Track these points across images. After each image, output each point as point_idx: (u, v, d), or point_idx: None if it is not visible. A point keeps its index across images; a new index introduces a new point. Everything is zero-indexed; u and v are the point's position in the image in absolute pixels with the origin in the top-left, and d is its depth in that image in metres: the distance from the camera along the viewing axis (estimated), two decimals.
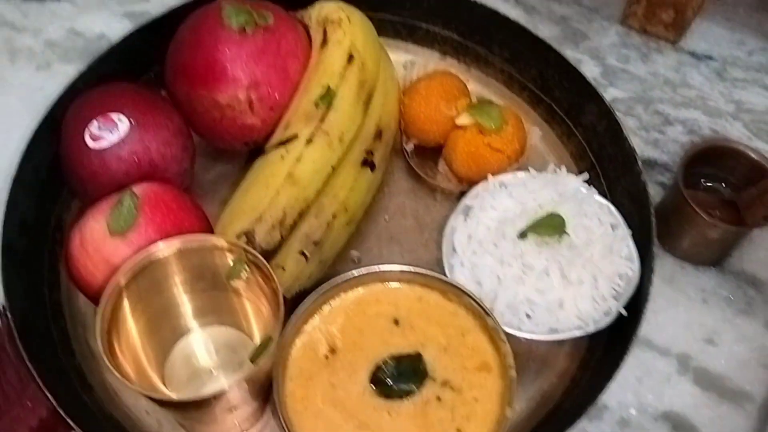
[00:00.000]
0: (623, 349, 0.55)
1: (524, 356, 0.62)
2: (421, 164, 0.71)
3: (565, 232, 0.59)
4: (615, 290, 0.59)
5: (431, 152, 0.70)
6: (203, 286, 0.57)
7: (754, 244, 0.68)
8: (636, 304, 0.58)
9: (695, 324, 0.64)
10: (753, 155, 0.63)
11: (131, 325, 0.54)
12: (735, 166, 0.62)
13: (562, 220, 0.59)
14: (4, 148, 0.65)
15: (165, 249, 0.54)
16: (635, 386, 0.62)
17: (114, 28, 0.80)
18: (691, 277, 0.66)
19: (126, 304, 0.54)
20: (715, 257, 0.66)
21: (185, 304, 0.58)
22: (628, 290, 0.58)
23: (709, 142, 0.64)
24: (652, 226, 0.60)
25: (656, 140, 0.74)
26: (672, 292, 0.66)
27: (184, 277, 0.56)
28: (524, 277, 0.58)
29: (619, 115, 0.74)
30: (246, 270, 0.54)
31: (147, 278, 0.54)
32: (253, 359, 0.50)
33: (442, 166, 0.69)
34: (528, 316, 0.58)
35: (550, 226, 0.58)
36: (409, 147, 0.70)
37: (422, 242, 0.67)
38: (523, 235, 0.59)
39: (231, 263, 0.54)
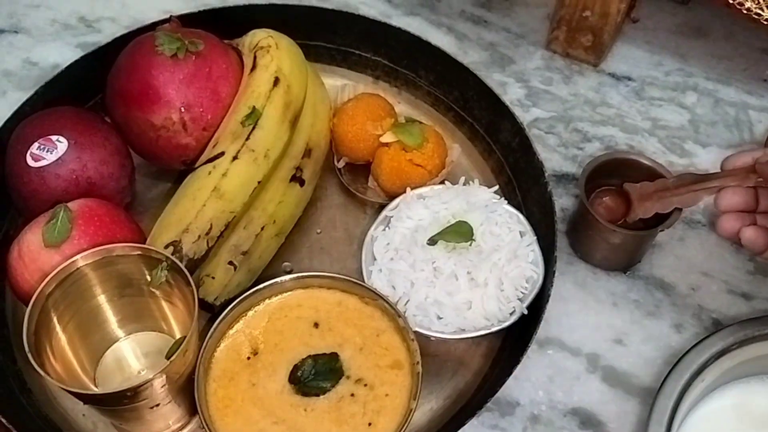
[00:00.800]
0: (524, 345, 0.59)
1: (443, 357, 0.66)
2: (352, 180, 0.75)
3: (472, 238, 0.63)
4: (521, 292, 0.63)
5: (362, 169, 0.74)
6: (130, 293, 0.60)
7: (664, 250, 0.72)
8: (539, 304, 0.62)
9: (605, 326, 0.68)
10: (648, 164, 0.67)
11: (59, 330, 0.58)
12: (636, 176, 0.66)
13: (470, 227, 0.63)
14: None
15: (85, 259, 0.58)
16: (547, 384, 0.65)
17: (68, 57, 0.83)
18: (603, 282, 0.70)
19: (54, 311, 0.57)
20: (623, 263, 0.70)
21: (113, 311, 0.62)
22: (533, 292, 0.62)
23: (608, 155, 0.69)
24: (556, 233, 0.64)
25: (575, 156, 0.78)
26: (584, 297, 0.70)
27: (110, 285, 0.60)
28: (434, 281, 0.62)
29: (536, 132, 0.79)
30: (167, 276, 0.57)
31: (73, 286, 0.58)
32: (168, 356, 0.54)
33: (371, 181, 0.74)
34: (439, 317, 0.62)
35: (458, 233, 0.62)
36: (341, 164, 0.74)
37: (351, 253, 0.71)
38: (432, 241, 0.63)
39: (153, 271, 0.58)
